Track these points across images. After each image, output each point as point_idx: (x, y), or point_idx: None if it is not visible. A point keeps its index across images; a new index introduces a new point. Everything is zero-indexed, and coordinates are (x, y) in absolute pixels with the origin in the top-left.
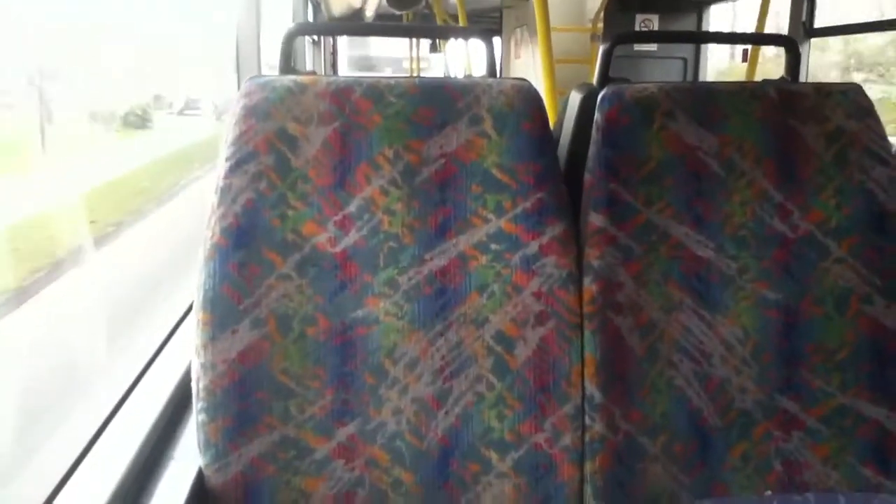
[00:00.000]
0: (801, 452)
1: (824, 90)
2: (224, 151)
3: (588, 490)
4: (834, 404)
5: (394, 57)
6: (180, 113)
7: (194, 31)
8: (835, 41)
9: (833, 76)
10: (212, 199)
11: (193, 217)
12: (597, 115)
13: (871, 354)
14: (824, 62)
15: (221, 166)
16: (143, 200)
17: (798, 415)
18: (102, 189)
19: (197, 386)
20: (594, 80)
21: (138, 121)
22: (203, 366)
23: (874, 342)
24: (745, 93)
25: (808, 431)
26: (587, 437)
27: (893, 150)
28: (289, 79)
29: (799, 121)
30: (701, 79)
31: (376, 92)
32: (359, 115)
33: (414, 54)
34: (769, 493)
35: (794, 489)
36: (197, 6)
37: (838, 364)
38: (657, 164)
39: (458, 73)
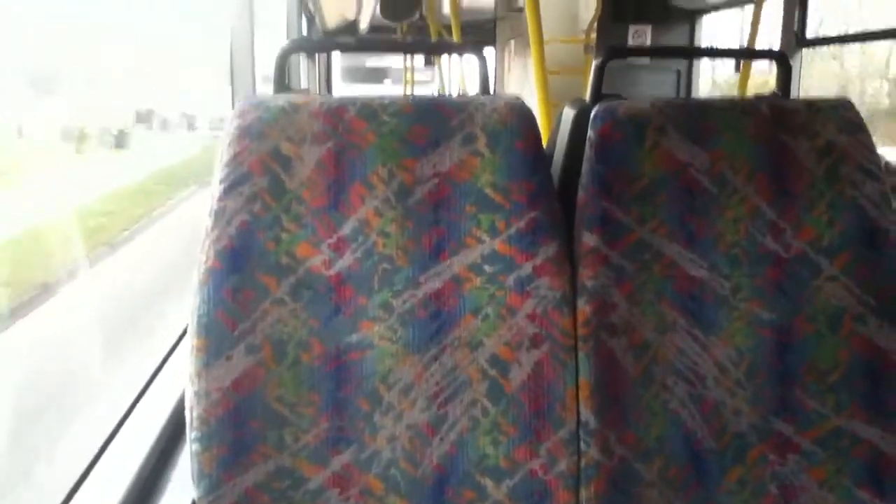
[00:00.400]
0: (797, 476)
1: (815, 106)
2: (218, 173)
3: None
4: (829, 426)
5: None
6: (163, 128)
7: (195, 34)
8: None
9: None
10: (206, 221)
11: (147, 279)
12: (590, 132)
13: (864, 374)
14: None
15: (215, 188)
16: (76, 255)
17: (793, 437)
18: (37, 230)
19: (191, 415)
20: (587, 95)
21: (115, 140)
22: (197, 394)
23: (868, 362)
24: (737, 109)
25: (804, 454)
26: (582, 463)
27: (883, 163)
28: (282, 98)
29: (790, 136)
30: (695, 89)
31: (370, 111)
32: (352, 134)
33: (408, 64)
34: None
35: None
36: (194, 6)
37: (832, 385)
38: (650, 181)
39: (452, 87)
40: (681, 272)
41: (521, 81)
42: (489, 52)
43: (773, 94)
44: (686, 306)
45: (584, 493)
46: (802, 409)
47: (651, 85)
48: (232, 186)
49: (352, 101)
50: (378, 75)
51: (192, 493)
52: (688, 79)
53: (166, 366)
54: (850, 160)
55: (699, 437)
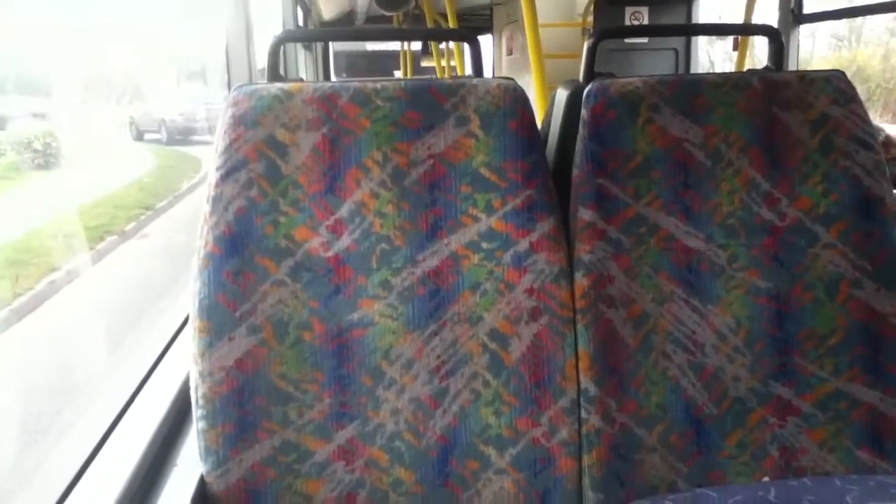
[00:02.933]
0: (797, 438)
1: (807, 78)
2: (214, 161)
3: (586, 482)
4: (828, 389)
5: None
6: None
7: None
8: None
9: None
10: (203, 208)
11: None
12: (583, 111)
13: (862, 338)
14: None
15: (212, 175)
16: None
17: (792, 401)
18: None
19: (196, 394)
20: (580, 76)
21: (39, 157)
22: (201, 374)
23: (865, 326)
24: (729, 83)
25: (804, 417)
26: (584, 430)
27: (881, 136)
28: (276, 86)
29: (783, 109)
30: (693, 68)
31: (363, 96)
32: (346, 119)
33: (407, 51)
34: (766, 479)
35: (790, 474)
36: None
37: (831, 349)
38: (644, 157)
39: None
40: (678, 244)
41: (520, 66)
42: (486, 38)
43: (767, 69)
44: (683, 277)
45: (586, 460)
46: (801, 374)
47: (649, 66)
48: (228, 173)
49: (345, 87)
50: (390, 65)
51: (200, 468)
52: (686, 58)
53: (173, 346)
54: (843, 131)
55: (699, 402)
